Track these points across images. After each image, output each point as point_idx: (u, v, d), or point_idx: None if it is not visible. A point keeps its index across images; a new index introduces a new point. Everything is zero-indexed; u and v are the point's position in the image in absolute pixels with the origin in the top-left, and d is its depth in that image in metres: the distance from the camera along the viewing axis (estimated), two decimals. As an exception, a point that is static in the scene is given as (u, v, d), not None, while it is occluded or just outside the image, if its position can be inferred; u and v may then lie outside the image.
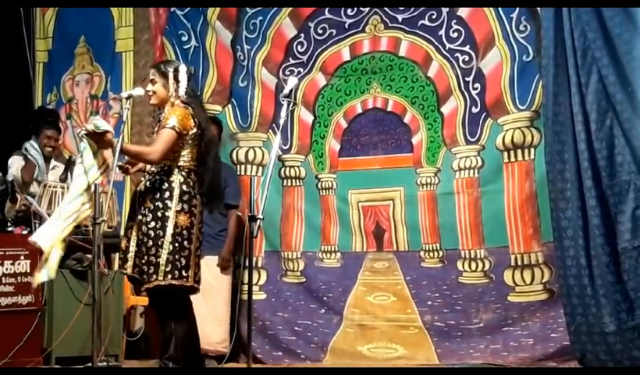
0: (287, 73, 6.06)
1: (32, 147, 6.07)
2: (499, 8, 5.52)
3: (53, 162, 6.06)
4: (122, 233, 4.69)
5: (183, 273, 4.41)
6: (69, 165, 5.89)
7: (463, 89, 5.65)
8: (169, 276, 4.38)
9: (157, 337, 5.84)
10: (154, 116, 6.50)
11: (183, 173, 4.45)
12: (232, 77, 6.31)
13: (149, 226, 4.42)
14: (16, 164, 5.96)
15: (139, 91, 4.80)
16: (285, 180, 6.16)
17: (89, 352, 4.96)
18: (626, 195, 4.73)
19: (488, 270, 5.50)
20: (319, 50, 6.05)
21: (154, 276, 4.39)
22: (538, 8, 5.25)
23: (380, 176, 5.88)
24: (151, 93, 4.53)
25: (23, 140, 6.13)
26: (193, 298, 4.52)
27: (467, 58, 5.64)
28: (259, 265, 6.12)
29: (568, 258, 4.94)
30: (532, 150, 5.39)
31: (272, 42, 6.17)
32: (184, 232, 4.41)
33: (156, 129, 4.57)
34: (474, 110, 5.61)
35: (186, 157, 4.44)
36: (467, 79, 5.64)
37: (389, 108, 5.91)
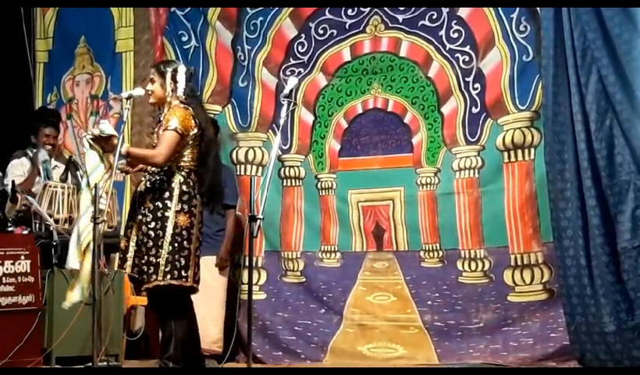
0: (288, 73, 6.07)
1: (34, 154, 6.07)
2: (499, 9, 5.53)
3: (53, 162, 6.05)
4: (122, 233, 4.69)
5: (183, 273, 4.41)
6: (69, 165, 5.88)
7: (463, 89, 5.65)
8: (169, 276, 4.39)
9: (157, 337, 5.86)
10: (154, 116, 6.50)
11: (183, 173, 4.46)
12: (233, 77, 6.31)
13: (149, 226, 4.43)
14: (17, 173, 5.94)
15: (139, 91, 4.80)
16: (285, 180, 6.16)
17: (89, 352, 4.95)
18: (626, 195, 4.73)
19: (488, 270, 5.51)
20: (320, 50, 6.06)
21: (154, 277, 4.40)
22: (538, 9, 5.25)
23: (380, 177, 5.88)
24: (150, 92, 4.56)
25: (23, 140, 6.12)
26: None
27: (467, 58, 5.64)
28: (259, 265, 6.12)
29: (568, 258, 4.94)
30: (532, 150, 5.39)
31: (273, 42, 6.17)
32: (184, 232, 4.42)
33: (156, 129, 4.58)
34: (475, 110, 5.61)
35: (186, 157, 4.45)
36: (467, 79, 5.65)
37: (389, 109, 5.92)
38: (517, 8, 5.46)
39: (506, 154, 5.49)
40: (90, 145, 4.46)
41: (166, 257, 4.38)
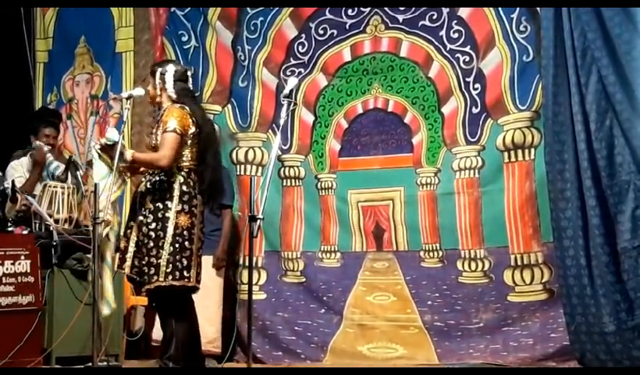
0: (288, 73, 6.07)
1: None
2: (500, 9, 5.52)
3: (54, 162, 6.05)
4: (121, 233, 4.70)
5: (185, 273, 4.42)
6: (69, 165, 5.88)
7: (463, 89, 5.65)
8: (170, 277, 4.39)
9: (151, 337, 5.87)
10: (154, 116, 6.49)
11: (183, 173, 4.46)
12: (233, 77, 6.31)
13: (149, 227, 4.43)
14: (16, 174, 5.94)
15: (139, 91, 4.81)
16: (284, 180, 6.16)
17: (89, 352, 4.96)
18: (625, 195, 4.73)
19: (488, 270, 5.51)
20: (320, 50, 6.06)
21: (155, 278, 4.40)
22: (538, 8, 5.25)
23: (380, 177, 5.88)
24: (147, 92, 4.63)
25: (23, 140, 6.12)
26: (189, 298, 4.54)
27: (467, 58, 5.64)
28: (259, 265, 6.12)
29: (568, 258, 4.94)
30: (532, 150, 5.39)
31: (273, 42, 6.17)
32: (185, 233, 4.42)
33: (154, 130, 4.58)
34: (475, 110, 5.61)
35: (185, 157, 4.45)
36: (467, 79, 5.65)
37: (389, 109, 5.92)
38: (518, 9, 5.46)
39: (506, 154, 5.49)
40: (99, 155, 4.48)
41: (167, 258, 4.38)
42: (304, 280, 6.02)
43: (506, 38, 5.51)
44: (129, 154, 4.44)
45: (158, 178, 4.46)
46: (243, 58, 6.25)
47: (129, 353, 5.81)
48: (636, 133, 4.71)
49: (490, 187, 5.53)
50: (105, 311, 4.60)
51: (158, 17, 6.59)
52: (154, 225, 4.42)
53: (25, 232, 5.44)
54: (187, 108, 4.51)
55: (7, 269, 5.17)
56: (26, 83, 7.12)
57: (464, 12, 5.67)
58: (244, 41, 6.25)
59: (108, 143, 4.42)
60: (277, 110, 6.01)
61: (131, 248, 4.48)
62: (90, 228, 5.02)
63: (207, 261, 5.72)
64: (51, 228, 5.45)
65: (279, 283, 6.08)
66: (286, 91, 4.55)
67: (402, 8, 5.83)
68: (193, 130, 4.45)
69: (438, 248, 5.67)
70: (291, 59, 6.15)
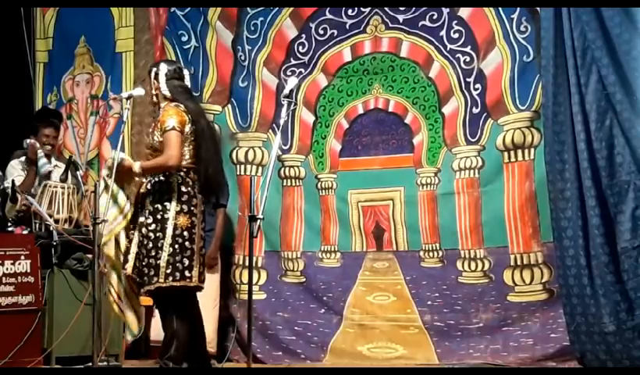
0: (288, 73, 6.07)
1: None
2: (500, 9, 5.52)
3: (53, 161, 6.05)
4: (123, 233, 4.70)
5: (186, 273, 4.42)
6: (69, 165, 5.88)
7: (464, 90, 5.65)
8: (170, 278, 4.40)
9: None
10: (154, 116, 6.50)
11: (182, 173, 4.46)
12: (233, 78, 6.31)
13: (149, 228, 4.44)
14: (14, 175, 5.94)
15: (139, 91, 4.81)
16: (285, 180, 6.16)
17: (89, 352, 4.97)
18: (626, 195, 4.73)
19: (487, 270, 5.51)
20: (320, 51, 6.05)
21: (155, 279, 4.40)
22: (538, 8, 5.26)
23: (380, 177, 5.88)
24: (146, 93, 4.67)
25: (23, 140, 6.12)
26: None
27: (468, 58, 5.64)
28: (259, 265, 6.12)
29: (568, 258, 4.94)
30: (532, 150, 5.40)
31: (273, 43, 6.17)
32: (185, 233, 4.42)
33: (151, 130, 4.58)
34: (475, 111, 5.61)
35: (184, 155, 4.46)
36: (468, 79, 5.65)
37: (390, 109, 5.92)
38: (518, 9, 5.46)
39: (506, 154, 5.49)
40: (106, 185, 4.51)
41: (167, 259, 4.39)
42: (304, 280, 6.02)
43: (507, 38, 5.51)
44: (137, 166, 4.47)
45: (157, 179, 4.47)
46: (243, 58, 6.25)
47: (129, 353, 5.81)
48: (636, 133, 4.71)
49: (490, 187, 5.53)
50: (128, 337, 4.64)
51: (158, 17, 6.59)
52: (153, 226, 4.43)
53: (25, 232, 5.45)
54: (182, 105, 4.52)
55: (7, 269, 5.17)
56: (26, 83, 7.12)
57: (464, 12, 5.67)
58: (244, 41, 6.25)
59: (114, 163, 4.47)
60: (277, 110, 6.01)
61: (133, 249, 4.49)
62: (90, 228, 5.03)
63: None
64: (51, 228, 5.45)
65: (279, 283, 6.08)
66: (286, 91, 4.56)
67: (402, 9, 5.83)
68: (189, 126, 4.47)
69: (438, 248, 5.67)
70: (291, 59, 6.15)
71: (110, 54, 6.89)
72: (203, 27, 6.38)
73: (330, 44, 6.03)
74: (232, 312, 6.04)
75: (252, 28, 6.23)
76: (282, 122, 4.45)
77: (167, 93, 4.57)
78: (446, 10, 5.71)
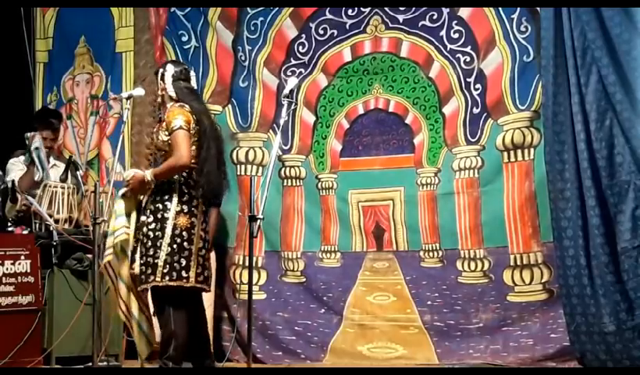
0: (289, 73, 6.07)
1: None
2: (500, 9, 5.52)
3: (52, 161, 6.06)
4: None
5: (183, 273, 4.43)
6: (69, 165, 5.89)
7: (464, 90, 5.65)
8: (167, 277, 4.41)
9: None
10: (154, 116, 6.50)
11: (184, 173, 4.47)
12: (233, 78, 6.31)
13: (149, 227, 4.46)
14: (15, 171, 5.94)
15: (139, 91, 4.83)
16: (285, 180, 6.16)
17: (89, 352, 4.98)
18: (626, 195, 4.72)
19: (487, 270, 5.51)
20: (320, 51, 6.05)
21: (152, 277, 4.42)
22: (538, 8, 5.26)
23: (381, 177, 5.88)
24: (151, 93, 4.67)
25: (24, 140, 6.13)
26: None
27: (468, 58, 5.64)
28: (259, 265, 6.12)
29: (568, 258, 4.94)
30: (532, 150, 5.39)
31: (273, 43, 6.17)
32: (184, 233, 4.43)
33: (155, 130, 4.59)
34: (475, 111, 5.61)
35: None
36: (468, 80, 5.64)
37: (390, 109, 5.92)
38: (518, 9, 5.46)
39: (505, 154, 5.49)
40: (124, 197, 4.54)
41: (165, 258, 4.40)
42: (304, 280, 6.02)
43: (507, 38, 5.51)
44: (149, 175, 4.48)
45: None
46: (243, 58, 6.26)
47: (129, 353, 5.81)
48: (636, 133, 4.70)
49: (490, 187, 5.53)
50: (143, 354, 4.69)
51: (158, 17, 6.59)
52: (153, 225, 4.45)
53: (25, 232, 5.45)
54: (187, 106, 4.53)
55: (7, 269, 5.18)
56: (26, 83, 7.12)
57: (464, 12, 5.67)
58: (245, 41, 6.25)
59: (127, 179, 4.51)
60: (278, 110, 6.01)
61: (139, 249, 4.50)
62: (90, 228, 5.04)
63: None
64: (51, 228, 5.46)
65: (279, 283, 6.08)
66: (286, 91, 4.57)
67: (402, 9, 5.83)
68: (194, 125, 4.48)
69: (438, 248, 5.67)
70: (291, 59, 6.15)
71: (110, 54, 6.89)
72: (203, 27, 6.38)
73: (330, 44, 6.03)
74: (232, 312, 6.04)
75: (252, 28, 6.23)
76: (282, 122, 4.46)
77: (173, 94, 4.59)
78: (446, 10, 5.71)
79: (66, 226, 5.63)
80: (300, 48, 6.13)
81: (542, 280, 5.33)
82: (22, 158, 5.98)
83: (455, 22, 5.69)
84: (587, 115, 4.86)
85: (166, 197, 4.46)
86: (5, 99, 6.65)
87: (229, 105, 6.31)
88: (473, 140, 5.62)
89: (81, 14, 6.97)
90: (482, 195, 5.56)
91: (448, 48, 5.70)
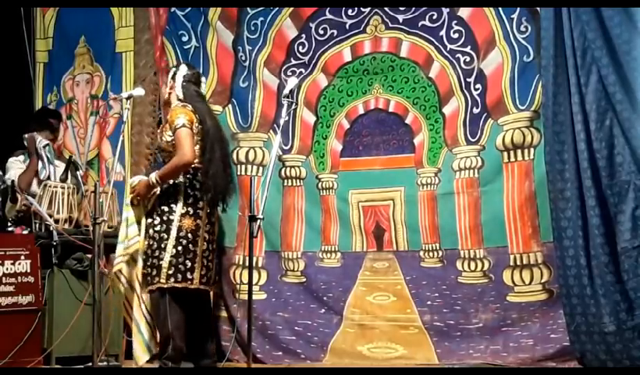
0: (289, 73, 6.06)
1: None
2: (500, 9, 5.52)
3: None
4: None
5: (188, 275, 4.44)
6: (69, 165, 5.89)
7: (464, 90, 5.65)
8: (172, 279, 4.42)
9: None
10: (154, 116, 6.51)
11: (189, 175, 4.49)
12: (233, 78, 6.31)
13: (155, 229, 4.48)
14: (14, 168, 5.94)
15: (139, 91, 4.84)
16: (285, 181, 6.16)
17: (89, 352, 4.98)
18: (626, 195, 4.72)
19: (487, 270, 5.50)
20: (320, 51, 6.05)
21: (157, 279, 4.43)
22: (538, 8, 5.26)
23: (381, 177, 5.88)
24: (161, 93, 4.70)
25: (23, 140, 6.14)
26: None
27: (468, 58, 5.64)
28: (259, 265, 6.12)
29: (568, 258, 4.94)
30: (532, 150, 5.39)
31: (274, 43, 6.17)
32: (189, 235, 4.45)
33: (159, 131, 4.61)
34: (475, 111, 5.61)
35: None
36: (468, 80, 5.64)
37: (390, 109, 5.92)
38: (518, 9, 5.45)
39: (505, 154, 5.49)
40: (133, 204, 4.56)
41: (169, 260, 4.41)
42: (304, 280, 6.02)
43: (507, 38, 5.50)
44: (153, 178, 4.49)
45: (165, 181, 4.50)
46: (243, 58, 6.26)
47: (129, 353, 5.81)
48: (636, 133, 4.70)
49: (490, 187, 5.53)
50: (139, 361, 4.70)
51: (158, 17, 6.58)
52: (158, 227, 4.47)
53: (25, 232, 5.45)
54: (190, 106, 4.54)
55: (7, 269, 5.18)
56: (26, 83, 7.13)
57: (464, 12, 5.67)
58: (245, 42, 6.25)
59: (133, 186, 4.53)
60: (278, 110, 6.00)
61: (145, 250, 4.52)
62: (90, 228, 5.05)
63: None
64: (51, 228, 5.46)
65: (279, 283, 6.08)
66: (286, 91, 4.57)
67: (402, 9, 5.83)
68: (197, 124, 4.50)
69: (438, 247, 5.67)
70: (291, 59, 6.15)
71: (110, 54, 6.90)
72: (203, 27, 6.38)
73: (330, 44, 6.03)
74: (232, 312, 6.04)
75: (252, 28, 6.23)
76: (282, 122, 4.47)
77: (180, 94, 4.61)
78: (446, 10, 5.70)
79: (66, 226, 5.64)
80: (300, 48, 6.13)
81: (542, 280, 5.33)
82: (22, 157, 5.99)
83: (455, 22, 5.69)
84: (587, 115, 4.86)
85: (172, 199, 4.48)
86: (5, 99, 6.66)
87: (230, 105, 6.31)
88: (473, 140, 5.62)
89: (81, 14, 6.97)
90: (482, 195, 5.56)
91: (448, 48, 5.70)
